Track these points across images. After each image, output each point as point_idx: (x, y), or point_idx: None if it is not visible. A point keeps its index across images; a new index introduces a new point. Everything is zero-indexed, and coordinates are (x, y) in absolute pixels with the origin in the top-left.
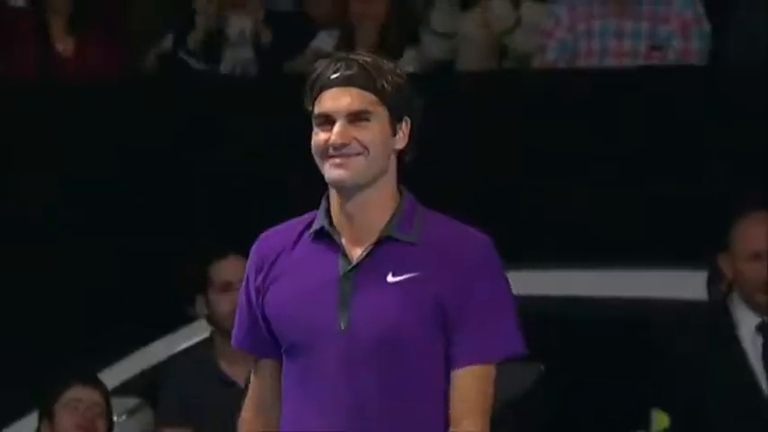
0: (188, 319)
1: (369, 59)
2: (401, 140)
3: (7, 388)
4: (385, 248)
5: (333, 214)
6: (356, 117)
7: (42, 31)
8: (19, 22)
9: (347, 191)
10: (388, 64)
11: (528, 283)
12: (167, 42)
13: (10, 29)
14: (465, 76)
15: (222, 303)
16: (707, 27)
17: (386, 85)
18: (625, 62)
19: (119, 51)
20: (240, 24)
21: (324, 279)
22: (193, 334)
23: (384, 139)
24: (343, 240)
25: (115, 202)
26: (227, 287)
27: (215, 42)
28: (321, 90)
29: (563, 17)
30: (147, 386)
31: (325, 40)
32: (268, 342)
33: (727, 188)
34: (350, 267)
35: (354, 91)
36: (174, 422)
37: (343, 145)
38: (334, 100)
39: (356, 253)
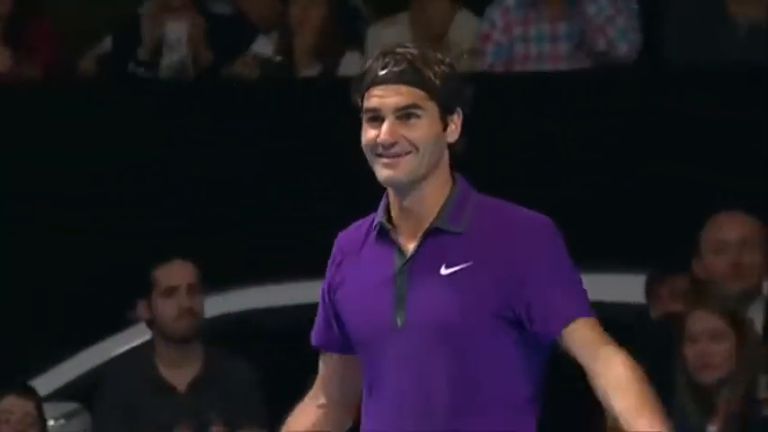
0: (128, 322)
1: (416, 53)
2: (453, 133)
3: None
4: (437, 240)
5: (392, 210)
6: (404, 114)
7: None
8: None
9: (400, 189)
10: (436, 56)
11: None
12: (106, 45)
13: None
14: None
15: (166, 308)
16: (637, 28)
17: (434, 78)
18: (561, 66)
19: (48, 52)
20: (177, 29)
21: (382, 277)
22: (133, 338)
23: (434, 134)
24: (401, 236)
25: (54, 205)
26: (172, 292)
27: (157, 51)
28: (370, 86)
29: (498, 21)
30: (85, 390)
31: (264, 45)
32: (337, 338)
33: (661, 189)
34: (403, 263)
35: (403, 88)
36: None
37: (392, 144)
38: (382, 97)
39: (411, 247)
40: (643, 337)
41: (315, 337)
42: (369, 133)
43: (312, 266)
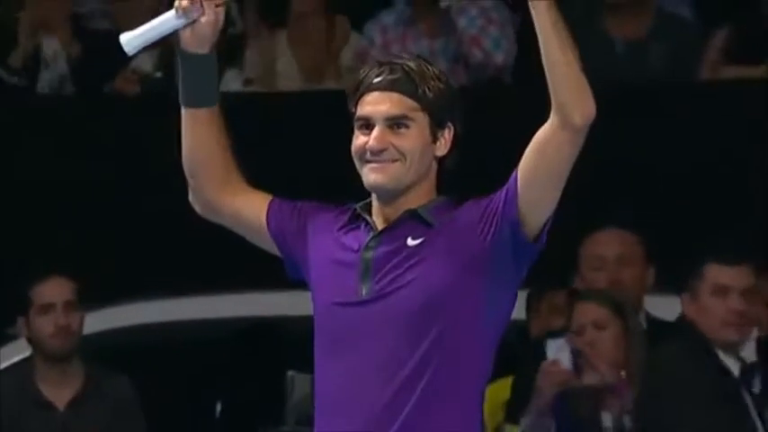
0: (9, 338)
1: (413, 64)
2: (442, 147)
3: None
4: (409, 223)
5: (373, 211)
6: (395, 123)
7: None
8: None
9: (385, 195)
10: (432, 70)
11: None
12: None
13: None
14: (285, 95)
15: (43, 325)
16: (511, 37)
17: (428, 91)
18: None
19: None
20: (54, 44)
21: (351, 251)
22: (14, 353)
23: (423, 146)
24: (377, 221)
25: None
26: (48, 309)
27: (33, 62)
28: (363, 93)
29: (376, 38)
30: None
31: (144, 60)
32: (280, 234)
33: None
34: (373, 236)
35: (395, 96)
36: None
37: (381, 150)
38: (375, 104)
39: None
40: (524, 352)
41: (273, 202)
42: (359, 140)
43: (192, 282)
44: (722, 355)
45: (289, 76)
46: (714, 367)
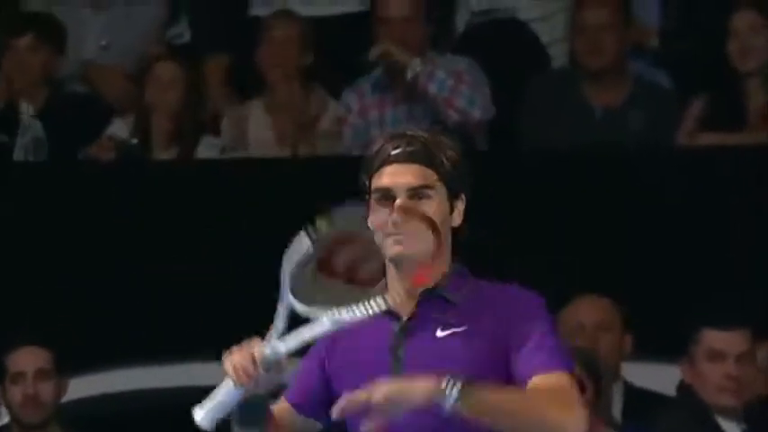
0: None
1: (428, 136)
2: (457, 217)
3: None
4: (433, 305)
5: (389, 287)
6: (416, 193)
7: None
8: None
9: (406, 265)
10: (446, 140)
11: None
12: None
13: None
14: (260, 161)
15: (14, 394)
16: (486, 92)
17: (445, 161)
18: None
19: None
20: (30, 109)
21: (379, 345)
22: None
23: (443, 215)
24: (397, 305)
25: None
26: (18, 378)
27: (6, 127)
28: (381, 165)
29: (353, 105)
30: None
31: (120, 127)
32: (310, 404)
33: (518, 270)
34: (401, 325)
35: (415, 167)
36: None
37: (405, 222)
38: (395, 176)
39: (408, 311)
40: None
41: (291, 395)
42: (380, 212)
43: (170, 350)
44: (721, 421)
45: (265, 143)
46: None
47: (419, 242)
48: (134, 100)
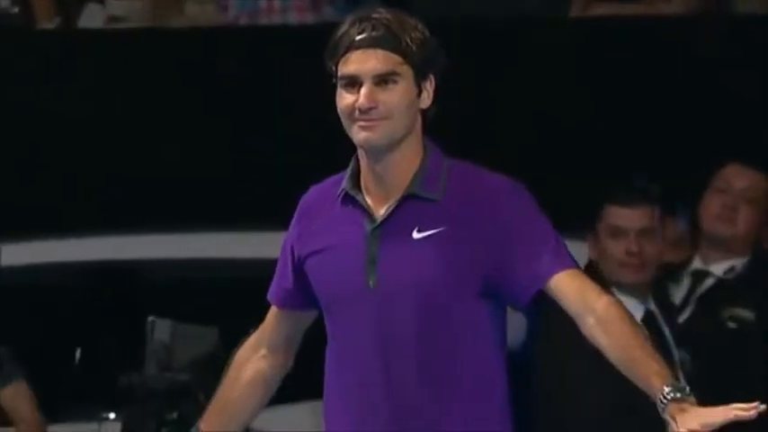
0: None
1: (392, 18)
2: (426, 99)
3: None
4: (408, 206)
5: (362, 175)
6: (382, 79)
7: None
8: None
9: (374, 152)
10: (411, 21)
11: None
12: None
13: None
14: (144, 31)
15: None
16: None
17: (411, 44)
18: (308, 18)
19: None
20: None
21: (351, 240)
22: None
23: (410, 100)
24: (370, 200)
25: None
26: None
27: None
28: (346, 51)
29: None
30: None
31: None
32: (295, 296)
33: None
34: (374, 227)
35: (381, 52)
36: None
37: (370, 108)
38: (361, 62)
39: (381, 212)
40: None
41: (273, 294)
42: (346, 98)
43: (49, 224)
44: (622, 298)
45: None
46: None
47: (384, 129)
48: None
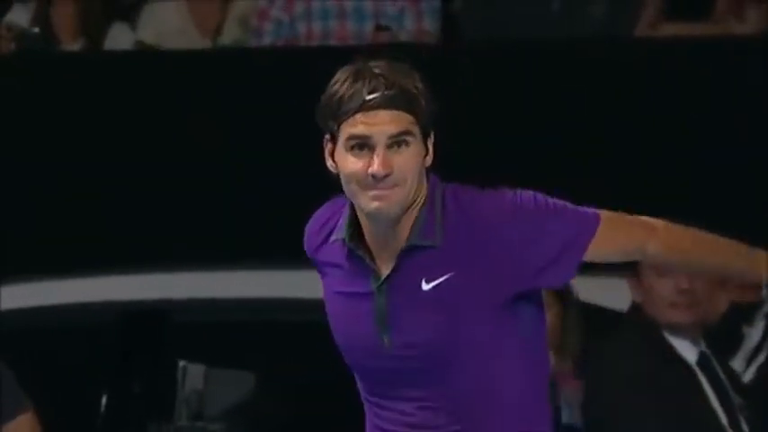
0: None
1: (397, 72)
2: (429, 157)
3: None
4: (410, 257)
5: (363, 230)
6: (395, 141)
7: None
8: None
9: (385, 222)
10: (412, 73)
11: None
12: None
13: None
14: (173, 55)
15: None
16: (437, 4)
17: (420, 100)
18: (350, 44)
19: None
20: None
21: (359, 293)
22: None
23: (420, 162)
24: (370, 250)
25: None
26: None
27: None
28: (357, 111)
29: None
30: None
31: (20, 14)
32: None
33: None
34: (379, 283)
35: (395, 113)
36: None
37: (386, 175)
38: (374, 123)
39: (383, 267)
40: None
41: None
42: (355, 163)
43: (75, 263)
44: (674, 341)
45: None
46: (664, 355)
47: (397, 197)
48: None
